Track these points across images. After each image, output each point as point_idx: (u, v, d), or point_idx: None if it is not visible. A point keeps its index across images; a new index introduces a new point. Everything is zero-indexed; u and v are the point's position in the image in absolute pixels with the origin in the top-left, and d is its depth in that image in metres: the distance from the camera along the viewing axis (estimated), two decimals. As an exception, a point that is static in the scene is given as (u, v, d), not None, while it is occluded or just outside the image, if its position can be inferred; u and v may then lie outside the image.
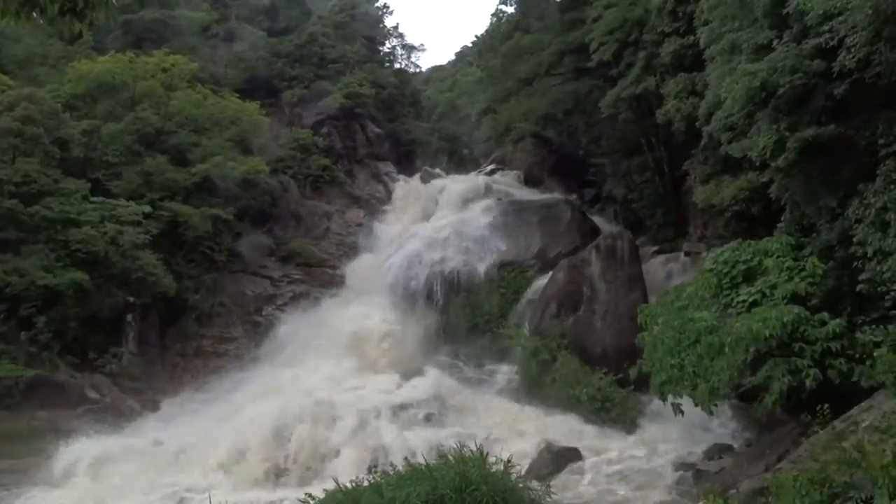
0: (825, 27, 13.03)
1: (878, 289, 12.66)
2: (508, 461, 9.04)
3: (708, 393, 12.87)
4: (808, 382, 12.14)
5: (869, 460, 6.40)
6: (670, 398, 13.77)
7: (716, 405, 13.56)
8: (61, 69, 31.36)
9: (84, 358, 23.84)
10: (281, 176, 34.64)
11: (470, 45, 55.93)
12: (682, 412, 13.75)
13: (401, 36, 59.35)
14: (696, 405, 13.33)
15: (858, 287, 13.08)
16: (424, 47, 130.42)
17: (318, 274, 31.64)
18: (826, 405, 10.27)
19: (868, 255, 12.82)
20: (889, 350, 11.25)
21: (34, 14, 5.64)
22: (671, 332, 13.82)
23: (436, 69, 72.87)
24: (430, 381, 22.72)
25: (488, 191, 34.17)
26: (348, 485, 9.59)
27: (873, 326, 12.66)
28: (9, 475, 18.53)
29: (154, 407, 23.96)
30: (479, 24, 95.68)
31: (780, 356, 12.64)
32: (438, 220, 32.00)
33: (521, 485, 8.94)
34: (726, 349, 12.64)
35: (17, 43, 32.24)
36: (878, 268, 12.57)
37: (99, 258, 24.13)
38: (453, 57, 74.83)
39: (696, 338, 13.29)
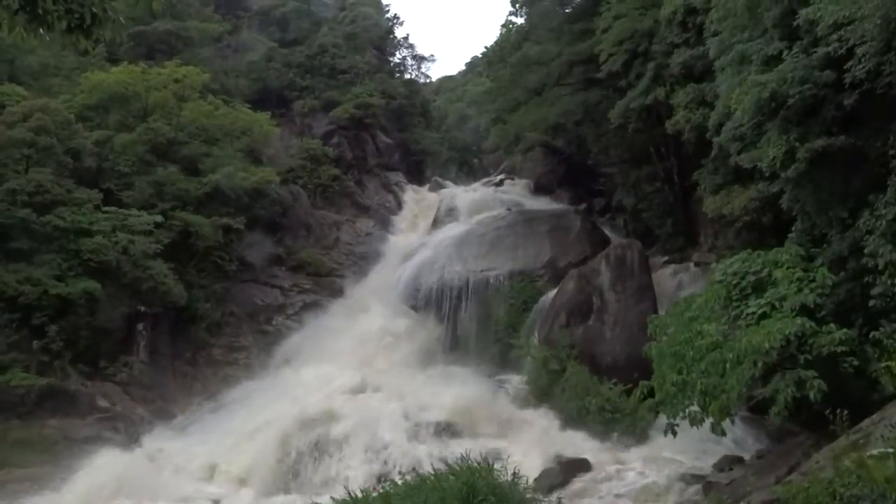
0: (834, 37, 13.03)
1: (891, 303, 12.57)
2: (516, 472, 9.04)
3: (719, 411, 12.76)
4: (812, 395, 12.05)
5: (872, 475, 6.37)
6: (665, 419, 13.63)
7: (731, 420, 13.43)
8: (74, 80, 31.67)
9: (95, 367, 23.99)
10: (291, 186, 34.81)
11: (479, 55, 56.04)
12: (674, 433, 13.60)
13: (411, 46, 59.72)
14: (693, 426, 13.18)
15: (871, 302, 12.99)
16: (434, 58, 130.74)
17: (327, 283, 31.74)
18: (845, 412, 10.15)
19: (880, 268, 12.74)
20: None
21: (41, 31, 5.71)
22: (677, 346, 13.74)
23: (445, 79, 73.16)
24: (440, 390, 22.71)
25: (498, 201, 34.25)
26: (357, 493, 9.62)
27: (884, 340, 12.57)
28: (21, 483, 18.63)
29: (164, 416, 24.04)
30: (488, 34, 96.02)
31: (787, 369, 12.56)
32: (448, 229, 32.08)
33: (529, 496, 8.95)
34: (730, 364, 12.55)
35: (31, 54, 32.57)
36: (890, 281, 12.49)
37: (110, 267, 24.30)
38: (463, 67, 75.05)
39: (702, 354, 13.20)
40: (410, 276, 28.80)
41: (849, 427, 10.33)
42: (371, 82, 43.89)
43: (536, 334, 23.54)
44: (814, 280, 13.45)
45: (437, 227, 33.73)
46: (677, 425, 13.50)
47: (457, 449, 16.40)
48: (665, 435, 13.76)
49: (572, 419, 19.84)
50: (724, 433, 13.45)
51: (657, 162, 27.68)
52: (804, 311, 13.01)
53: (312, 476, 18.74)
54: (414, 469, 10.61)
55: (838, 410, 9.54)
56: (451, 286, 27.57)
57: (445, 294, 27.56)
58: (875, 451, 5.42)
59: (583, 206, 34.56)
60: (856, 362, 12.53)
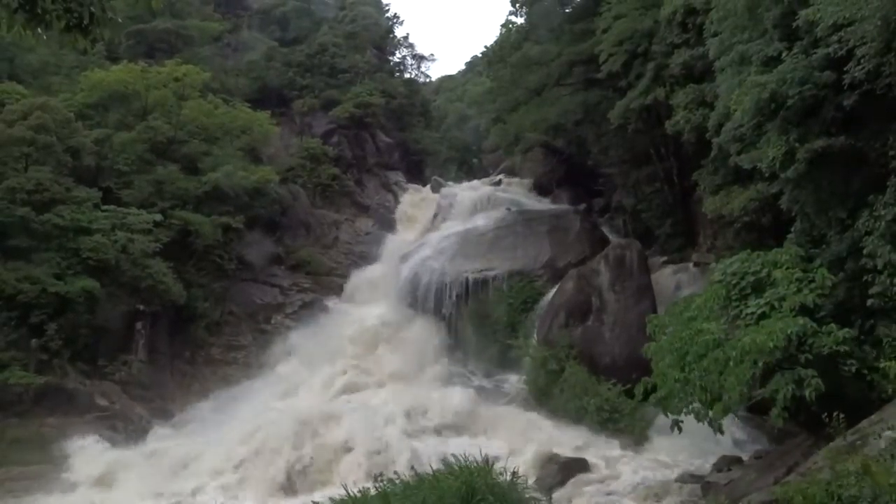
0: (834, 38, 13.03)
1: (889, 303, 12.58)
2: (515, 472, 9.03)
3: (721, 410, 12.78)
4: (807, 393, 12.06)
5: (875, 479, 6.36)
6: (671, 415, 13.66)
7: (734, 417, 13.45)
8: (74, 78, 31.69)
9: (94, 365, 24.00)
10: (290, 185, 34.83)
11: (479, 55, 56.02)
12: (679, 429, 13.64)
13: (411, 46, 59.74)
14: (699, 421, 13.21)
15: (869, 301, 13.00)
16: (434, 57, 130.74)
17: (326, 283, 31.75)
18: (841, 415, 10.17)
19: (878, 268, 12.75)
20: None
21: (39, 29, 5.71)
22: (678, 343, 13.75)
23: (445, 79, 73.16)
24: (438, 390, 22.72)
25: (497, 201, 34.25)
26: (355, 492, 9.61)
27: (883, 340, 12.60)
28: (18, 482, 18.63)
29: (163, 415, 24.05)
30: (488, 34, 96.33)
31: (787, 368, 12.57)
32: (447, 229, 32.08)
33: (527, 496, 8.94)
34: (731, 363, 12.56)
35: (30, 53, 32.59)
36: (889, 281, 12.50)
37: (109, 266, 24.30)
38: (463, 67, 75.08)
39: (703, 351, 13.21)
40: (410, 276, 28.79)
41: (847, 428, 10.34)
42: (371, 82, 43.88)
43: (535, 334, 23.55)
44: (813, 280, 13.45)
45: (436, 227, 33.72)
46: (682, 421, 13.53)
47: (455, 448, 16.41)
48: (672, 430, 13.78)
49: (571, 419, 19.85)
50: (721, 431, 13.46)
51: (657, 162, 27.68)
52: (804, 311, 13.01)
53: (311, 475, 18.73)
54: (412, 468, 10.60)
55: (834, 413, 9.57)
56: (450, 286, 27.56)
57: (445, 294, 27.56)
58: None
59: (582, 206, 34.55)
60: (856, 365, 12.54)
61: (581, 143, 35.14)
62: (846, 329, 12.71)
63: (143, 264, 25.14)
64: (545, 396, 21.22)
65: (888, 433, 8.59)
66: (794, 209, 15.29)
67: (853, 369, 12.51)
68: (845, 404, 11.62)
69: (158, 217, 26.38)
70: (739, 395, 12.61)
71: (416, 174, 44.81)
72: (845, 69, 12.89)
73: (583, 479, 16.67)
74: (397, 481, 9.63)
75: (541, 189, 38.61)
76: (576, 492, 16.02)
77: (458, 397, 22.04)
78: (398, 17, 68.86)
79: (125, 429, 22.16)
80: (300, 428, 19.88)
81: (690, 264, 24.56)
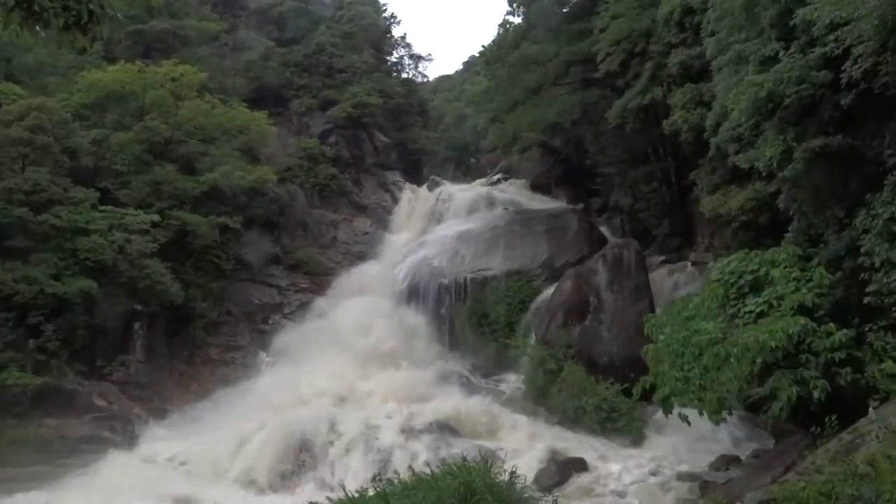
0: (831, 37, 13.06)
1: (886, 300, 12.61)
2: (513, 471, 9.02)
3: (717, 404, 12.81)
4: (815, 394, 12.09)
5: (880, 474, 6.37)
6: (676, 409, 13.70)
7: (728, 415, 13.51)
8: (71, 79, 31.61)
9: (92, 366, 23.97)
10: (288, 185, 34.78)
11: (477, 54, 55.98)
12: (688, 422, 13.69)
13: (408, 46, 59.52)
14: (702, 415, 13.25)
15: (866, 299, 13.02)
16: (432, 57, 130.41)
17: (324, 282, 31.72)
18: (834, 416, 10.21)
19: (875, 266, 12.78)
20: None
21: (38, 28, 5.65)
22: (675, 344, 13.76)
23: (443, 79, 73.08)
24: (437, 390, 22.71)
25: (495, 200, 34.26)
26: (354, 493, 9.61)
27: (882, 333, 12.64)
28: (17, 483, 18.59)
29: (161, 415, 24.02)
30: (486, 33, 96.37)
31: (786, 367, 12.59)
32: (445, 229, 32.07)
33: (526, 495, 8.93)
34: (732, 360, 12.57)
35: (27, 53, 32.50)
36: (886, 279, 12.53)
37: (107, 266, 24.27)
38: (461, 66, 75.01)
39: (701, 349, 13.22)
40: (407, 276, 28.78)
41: (842, 428, 10.38)
42: (368, 81, 43.81)
43: (533, 334, 23.53)
44: (811, 279, 13.47)
45: (434, 227, 33.71)
46: (687, 415, 13.56)
47: (454, 448, 16.43)
48: (683, 422, 13.78)
49: (569, 419, 19.84)
50: (719, 421, 13.46)
51: (655, 162, 27.70)
52: (802, 310, 13.03)
53: (310, 475, 18.73)
54: (410, 468, 10.62)
55: (828, 418, 9.63)
56: (448, 285, 27.56)
57: (443, 293, 27.55)
58: None
59: (580, 205, 34.56)
60: (850, 375, 12.54)
61: (579, 142, 35.16)
62: (844, 330, 12.74)
63: (140, 264, 25.11)
64: (543, 396, 21.20)
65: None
66: (791, 208, 15.32)
67: (849, 373, 12.54)
68: (844, 404, 11.67)
69: (156, 217, 26.33)
70: (739, 391, 12.65)
71: (414, 174, 44.76)
72: (842, 68, 12.93)
73: (581, 478, 16.68)
74: (396, 481, 9.63)
75: (539, 189, 38.59)
76: (574, 491, 16.03)
77: (455, 396, 22.04)
78: (395, 17, 68.65)
79: (123, 429, 22.14)
80: (298, 428, 19.87)
81: (688, 264, 24.58)
